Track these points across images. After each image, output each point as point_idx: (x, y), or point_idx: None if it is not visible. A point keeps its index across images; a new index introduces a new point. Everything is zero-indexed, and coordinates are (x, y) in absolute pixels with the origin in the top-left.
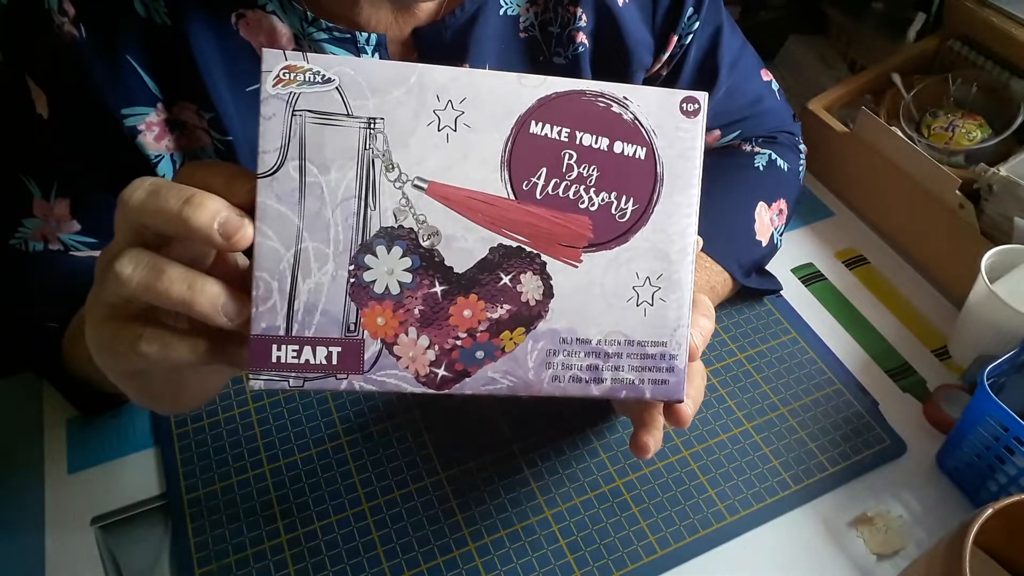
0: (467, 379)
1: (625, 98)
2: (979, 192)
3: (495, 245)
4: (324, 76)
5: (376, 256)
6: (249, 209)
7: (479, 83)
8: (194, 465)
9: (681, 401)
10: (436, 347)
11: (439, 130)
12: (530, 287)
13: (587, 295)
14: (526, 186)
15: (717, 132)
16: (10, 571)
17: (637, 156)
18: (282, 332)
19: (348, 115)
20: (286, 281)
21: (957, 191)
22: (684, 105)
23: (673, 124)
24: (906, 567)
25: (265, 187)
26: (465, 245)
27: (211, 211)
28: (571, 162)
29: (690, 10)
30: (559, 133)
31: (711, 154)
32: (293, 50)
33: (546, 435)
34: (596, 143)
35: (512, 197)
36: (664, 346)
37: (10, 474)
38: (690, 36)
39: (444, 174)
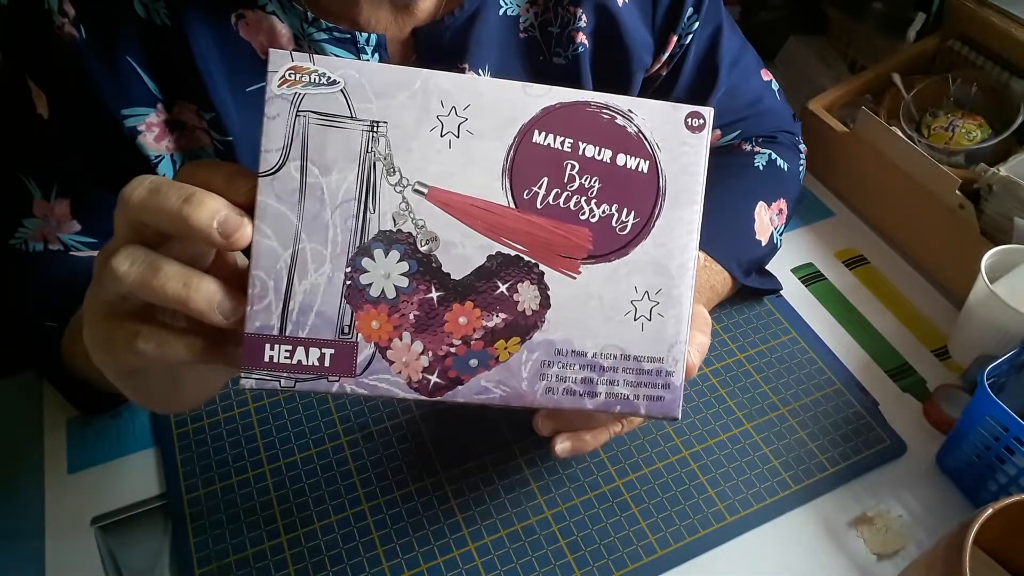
0: (460, 387)
1: (630, 111)
2: (979, 192)
3: (493, 253)
4: (329, 78)
5: (373, 259)
6: (249, 209)
7: (483, 90)
8: (194, 465)
9: (676, 419)
10: (430, 353)
11: (442, 136)
12: (527, 297)
13: (584, 307)
14: (527, 195)
15: (717, 132)
16: (10, 571)
17: (640, 169)
18: (276, 332)
19: (351, 117)
20: (282, 281)
21: (957, 191)
22: (689, 120)
23: (678, 139)
24: (906, 567)
25: (266, 186)
26: (463, 252)
27: (211, 210)
28: (573, 173)
29: (690, 10)
30: (562, 143)
31: (711, 154)
32: (293, 51)
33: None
34: (599, 155)
35: (512, 205)
36: (661, 362)
37: (10, 474)
38: (690, 36)
39: (445, 180)
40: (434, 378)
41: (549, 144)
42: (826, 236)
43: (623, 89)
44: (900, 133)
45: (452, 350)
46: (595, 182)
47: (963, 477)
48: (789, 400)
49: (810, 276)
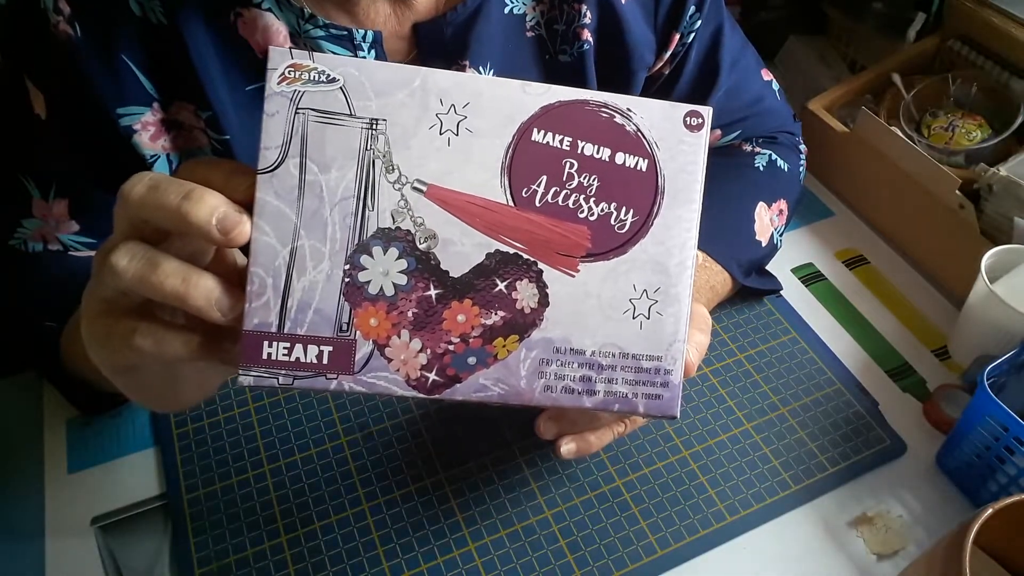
0: (458, 385)
1: (629, 109)
2: (979, 192)
3: (492, 251)
4: (329, 76)
5: (372, 257)
6: (248, 206)
7: (483, 89)
8: (194, 465)
9: (675, 417)
10: (428, 351)
11: (441, 134)
12: (526, 295)
13: (583, 305)
14: (526, 193)
15: (718, 132)
16: (10, 571)
17: (639, 168)
18: (274, 329)
19: (351, 115)
20: (281, 278)
21: (957, 191)
22: (688, 119)
23: (676, 137)
24: (906, 567)
25: (265, 183)
26: (462, 249)
27: (210, 206)
28: (572, 171)
29: (692, 8)
30: (561, 142)
31: (711, 154)
32: (292, 48)
33: None
34: (598, 153)
35: (511, 203)
36: (659, 360)
37: (10, 474)
38: (692, 35)
39: (444, 178)
40: (432, 376)
41: (548, 142)
42: (826, 236)
43: (626, 88)
44: (900, 133)
45: (451, 348)
46: (594, 180)
47: (963, 477)
48: (789, 400)
49: (810, 276)
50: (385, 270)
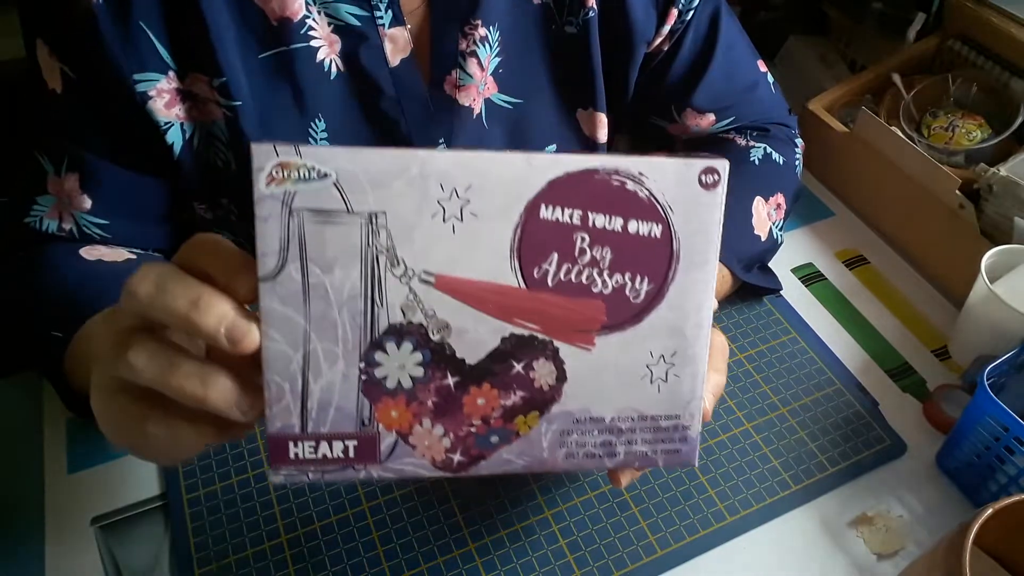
0: (483, 462)
1: (641, 174)
2: (979, 192)
3: (507, 335)
4: (320, 171)
5: (386, 353)
6: (254, 302)
7: (485, 168)
8: (194, 465)
9: (693, 466)
10: (451, 435)
11: (444, 221)
12: (543, 373)
13: (601, 376)
14: (537, 273)
15: (711, 117)
16: (10, 571)
17: (653, 235)
18: (297, 430)
19: (348, 211)
20: (297, 382)
21: (957, 191)
22: (703, 177)
23: (691, 198)
24: (906, 567)
25: (268, 291)
26: (476, 336)
27: (217, 316)
28: (584, 245)
29: None
30: (571, 216)
31: (705, 147)
32: (276, 145)
33: None
34: (610, 224)
35: (523, 286)
36: (677, 419)
37: (10, 474)
38: (691, 12)
39: (452, 266)
40: (457, 456)
41: (557, 218)
42: (826, 236)
43: (625, 62)
44: (900, 133)
45: (472, 430)
46: (607, 252)
47: (963, 477)
48: (789, 400)
49: (810, 276)
50: (401, 364)
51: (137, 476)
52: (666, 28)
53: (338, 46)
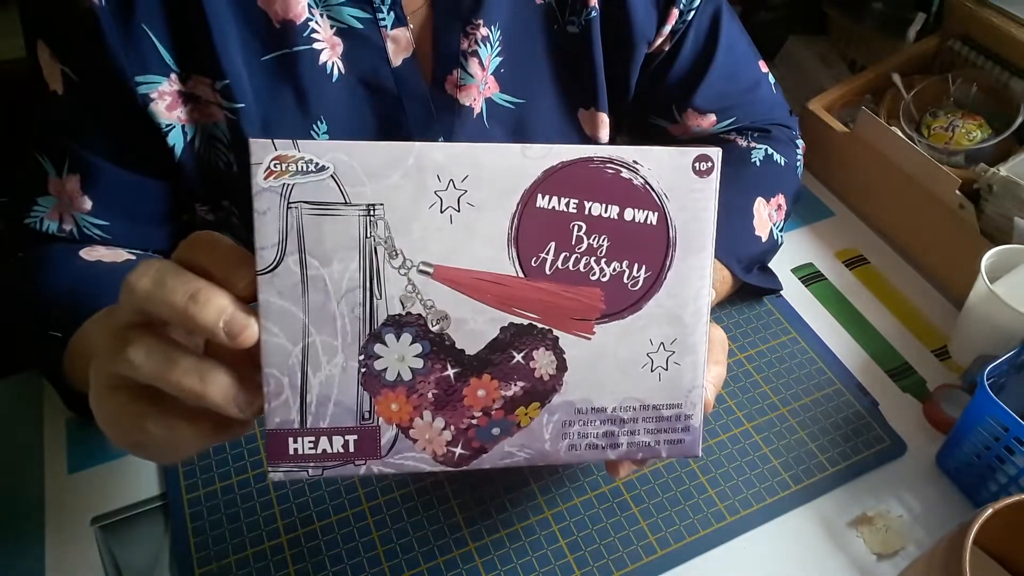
0: (484, 455)
1: (635, 162)
2: (979, 192)
3: (506, 324)
4: (317, 164)
5: (386, 344)
6: (252, 298)
7: (481, 159)
8: (194, 465)
9: (697, 457)
10: (452, 428)
11: (442, 212)
12: (543, 363)
13: (601, 365)
14: (535, 262)
15: (712, 117)
16: (10, 571)
17: (649, 222)
18: (296, 425)
19: (346, 203)
20: (296, 376)
21: (957, 191)
22: (696, 165)
23: (686, 186)
24: (906, 567)
25: (266, 284)
26: (475, 327)
27: (216, 309)
28: (580, 234)
29: None
30: (567, 205)
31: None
32: (274, 139)
33: None
34: (606, 212)
35: (521, 275)
36: (679, 408)
37: (10, 474)
38: (692, 12)
39: (450, 257)
40: (458, 450)
41: (554, 207)
42: (826, 236)
43: (626, 62)
44: (900, 133)
45: (473, 422)
46: (604, 240)
47: (963, 477)
48: (789, 400)
49: (810, 276)
50: (400, 356)
51: (137, 476)
52: (667, 28)
53: (340, 48)
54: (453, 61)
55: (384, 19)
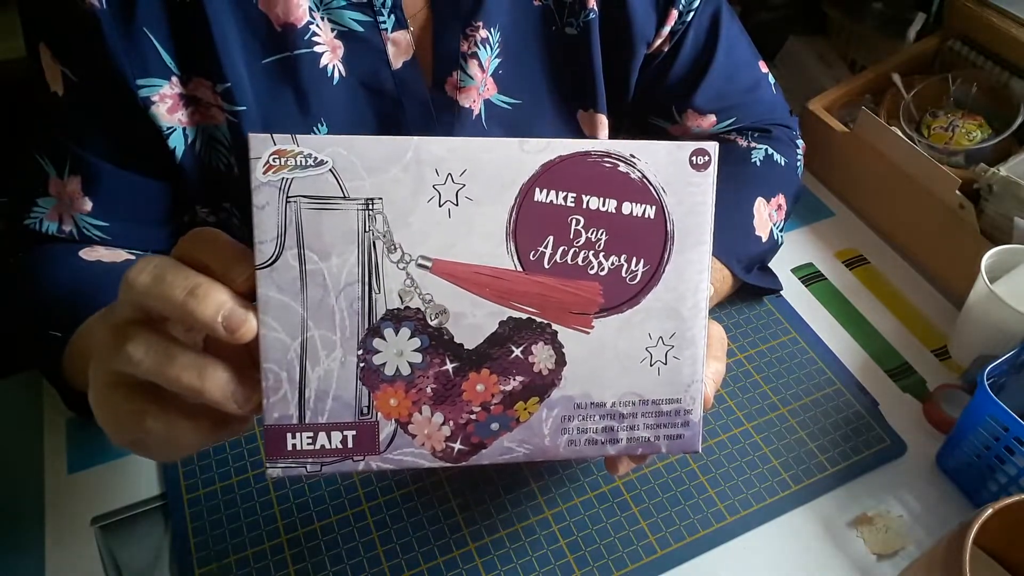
0: (483, 450)
1: (632, 156)
2: (979, 192)
3: (504, 319)
4: (316, 158)
5: (384, 339)
6: (251, 296)
7: (479, 154)
8: (194, 465)
9: (697, 452)
10: (451, 423)
11: (440, 206)
12: (542, 357)
13: (600, 360)
14: (533, 256)
15: (712, 118)
16: (10, 571)
17: (646, 216)
18: (295, 420)
19: (344, 197)
20: (295, 371)
21: (957, 191)
22: (694, 158)
23: (683, 179)
24: (906, 567)
25: (265, 278)
26: (474, 321)
27: (215, 304)
28: (578, 227)
29: None
30: (565, 199)
31: None
32: (273, 134)
33: None
34: (604, 206)
35: (519, 269)
36: (679, 402)
37: (10, 474)
38: (691, 13)
39: (448, 251)
40: (457, 445)
41: (552, 201)
42: (826, 236)
43: (626, 63)
44: (900, 133)
45: (472, 417)
46: (602, 234)
47: (963, 477)
48: (789, 400)
49: (810, 276)
50: (399, 351)
51: (137, 476)
52: (666, 29)
53: (341, 51)
54: (453, 63)
55: (385, 22)
